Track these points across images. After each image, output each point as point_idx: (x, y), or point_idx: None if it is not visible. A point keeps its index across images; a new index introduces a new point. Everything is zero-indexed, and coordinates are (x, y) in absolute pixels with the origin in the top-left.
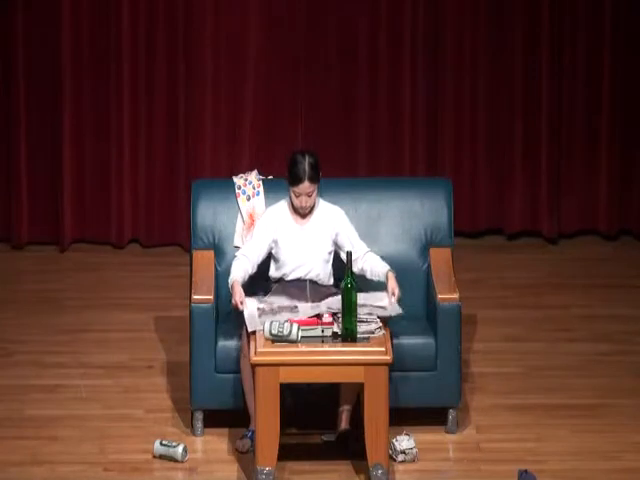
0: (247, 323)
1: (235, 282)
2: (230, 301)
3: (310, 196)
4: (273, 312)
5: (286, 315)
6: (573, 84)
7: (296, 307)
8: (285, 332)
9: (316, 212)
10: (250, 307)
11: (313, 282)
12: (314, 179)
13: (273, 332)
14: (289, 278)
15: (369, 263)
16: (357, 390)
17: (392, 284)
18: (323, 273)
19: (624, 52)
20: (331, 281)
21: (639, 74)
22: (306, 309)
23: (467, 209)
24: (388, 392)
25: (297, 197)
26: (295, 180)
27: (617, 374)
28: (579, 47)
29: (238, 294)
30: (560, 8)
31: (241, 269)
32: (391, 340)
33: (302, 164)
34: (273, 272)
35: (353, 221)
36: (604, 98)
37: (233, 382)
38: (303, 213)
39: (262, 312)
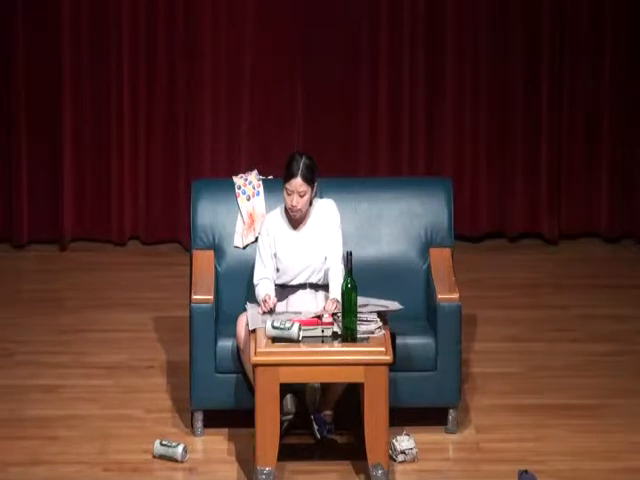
0: (249, 321)
1: (267, 295)
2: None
3: (302, 197)
4: (276, 314)
5: (289, 315)
6: (574, 85)
7: (300, 312)
8: (287, 325)
9: (311, 214)
10: (254, 308)
11: (314, 285)
12: (307, 178)
13: (275, 325)
14: (291, 284)
15: (330, 279)
16: (339, 393)
17: (327, 304)
18: (323, 273)
19: (625, 52)
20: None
21: None
22: (309, 313)
23: (468, 211)
24: (388, 392)
25: (289, 195)
26: (288, 175)
27: (617, 374)
28: (580, 48)
29: (271, 301)
30: (561, 9)
31: (268, 289)
32: (394, 340)
33: (297, 162)
34: (275, 279)
35: (353, 221)
36: (605, 99)
37: (233, 382)
38: (294, 215)
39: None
